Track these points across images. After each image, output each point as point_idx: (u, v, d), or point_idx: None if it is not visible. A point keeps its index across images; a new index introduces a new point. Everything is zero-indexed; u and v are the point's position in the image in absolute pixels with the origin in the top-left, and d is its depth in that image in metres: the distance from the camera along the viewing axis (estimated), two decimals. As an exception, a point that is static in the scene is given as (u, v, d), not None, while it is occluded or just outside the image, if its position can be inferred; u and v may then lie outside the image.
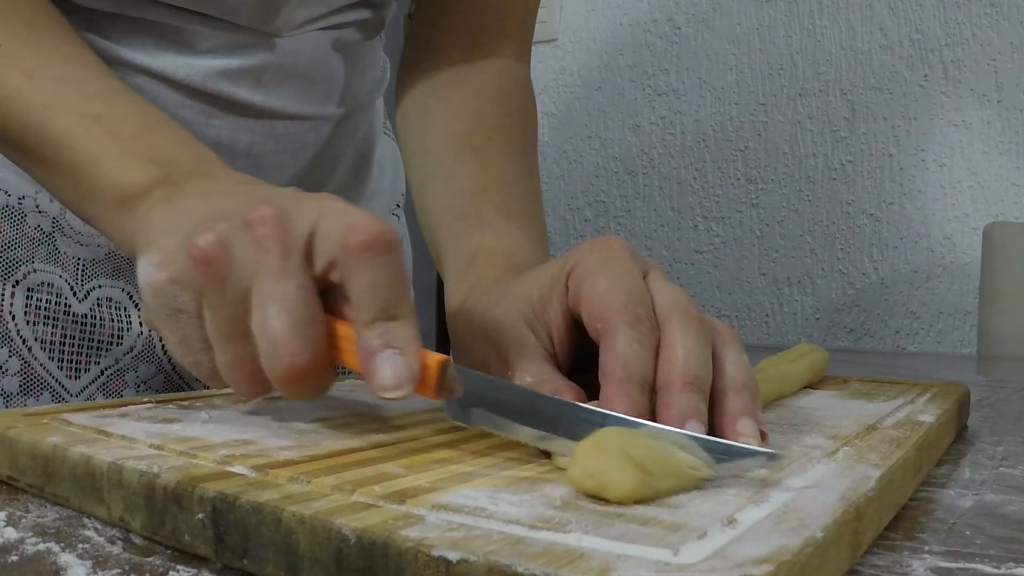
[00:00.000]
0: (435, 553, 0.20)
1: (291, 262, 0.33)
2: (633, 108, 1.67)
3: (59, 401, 0.59)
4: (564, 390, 0.35)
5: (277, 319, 0.32)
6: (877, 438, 0.34)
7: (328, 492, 0.25)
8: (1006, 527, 0.30)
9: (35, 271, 0.58)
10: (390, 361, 0.31)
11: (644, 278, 0.36)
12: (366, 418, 0.38)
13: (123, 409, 0.39)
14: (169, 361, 0.63)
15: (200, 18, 0.54)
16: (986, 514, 0.32)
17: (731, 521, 0.23)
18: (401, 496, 0.24)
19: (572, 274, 0.37)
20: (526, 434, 0.31)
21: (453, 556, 0.20)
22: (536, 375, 0.36)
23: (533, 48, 1.84)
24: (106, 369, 0.61)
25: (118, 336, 0.61)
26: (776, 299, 1.54)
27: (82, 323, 0.59)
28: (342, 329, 0.33)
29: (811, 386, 0.53)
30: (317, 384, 0.34)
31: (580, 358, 0.39)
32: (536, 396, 0.32)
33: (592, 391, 0.34)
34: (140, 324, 0.61)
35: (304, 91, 0.60)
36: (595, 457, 0.25)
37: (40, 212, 0.58)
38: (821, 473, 0.28)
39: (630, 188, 1.68)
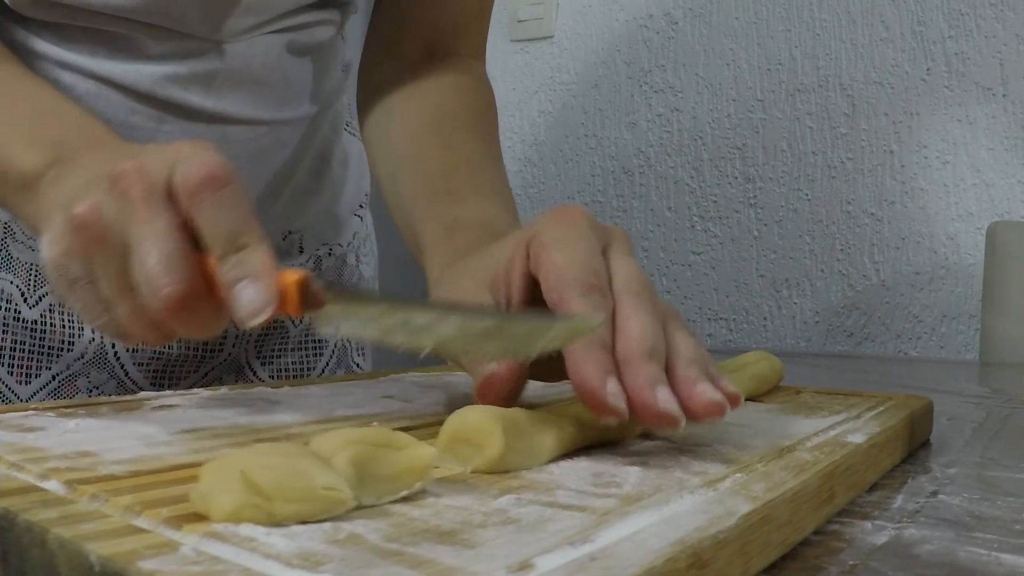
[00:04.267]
0: None
1: (153, 206, 0.35)
2: (630, 106, 1.63)
3: None
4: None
5: (148, 256, 0.34)
6: (782, 463, 0.30)
7: (113, 513, 0.24)
8: (911, 572, 0.26)
9: None
10: (245, 291, 0.33)
11: (606, 250, 0.37)
12: (244, 430, 0.36)
13: (-1, 416, 0.38)
14: (122, 367, 0.62)
15: (147, 26, 0.54)
16: (897, 554, 0.27)
17: (524, 567, 0.19)
18: (182, 521, 0.23)
19: (533, 241, 0.38)
20: (388, 325, 0.32)
21: None
22: None
23: (529, 45, 1.82)
24: (57, 375, 0.61)
25: (69, 342, 0.60)
26: (774, 302, 1.49)
27: (32, 329, 0.59)
28: (213, 265, 0.35)
29: (756, 398, 0.48)
30: (202, 316, 0.35)
31: None
32: (398, 297, 0.33)
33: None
34: (92, 330, 0.60)
35: (258, 95, 0.60)
36: (208, 477, 0.24)
37: None
38: (684, 507, 0.24)
39: (627, 187, 1.64)
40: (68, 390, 0.61)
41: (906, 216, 1.37)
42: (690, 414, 0.31)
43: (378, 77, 0.66)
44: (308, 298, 0.33)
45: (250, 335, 0.69)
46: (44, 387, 0.60)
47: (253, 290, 0.33)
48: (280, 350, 0.72)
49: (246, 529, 0.22)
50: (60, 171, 0.42)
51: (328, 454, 0.25)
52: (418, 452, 0.26)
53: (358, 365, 0.79)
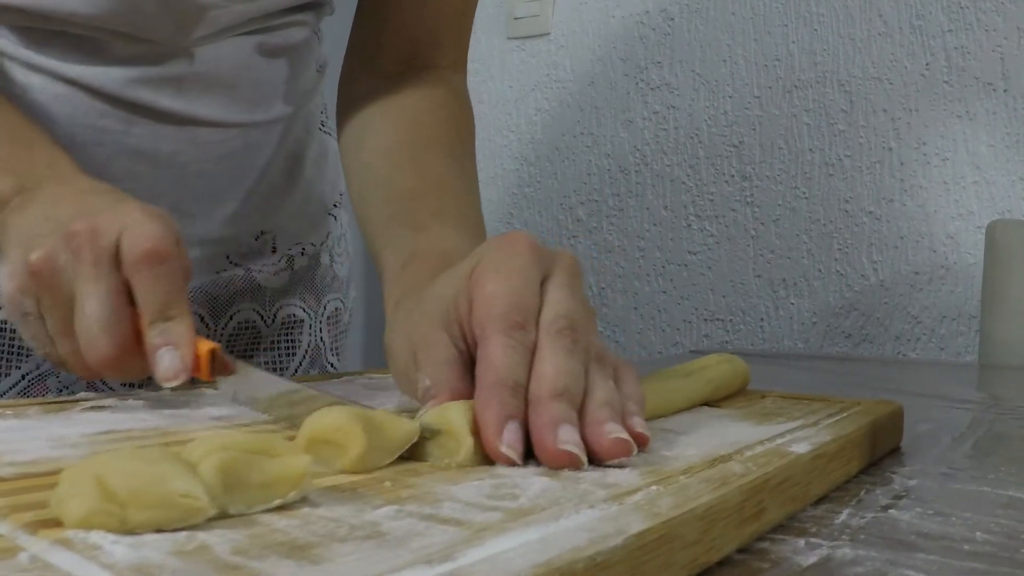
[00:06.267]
0: None
1: (100, 268, 0.39)
2: (626, 103, 1.61)
3: None
4: (443, 397, 0.36)
5: (90, 315, 0.39)
6: (708, 475, 0.28)
7: None
8: (831, 597, 0.23)
9: None
10: (167, 356, 0.39)
11: (545, 281, 0.37)
12: (159, 433, 0.36)
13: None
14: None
15: (115, 32, 0.54)
16: (822, 576, 0.25)
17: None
18: (39, 526, 0.22)
19: (474, 271, 0.38)
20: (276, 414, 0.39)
21: None
22: (434, 378, 0.37)
23: (526, 43, 1.81)
24: (27, 374, 0.61)
25: None
26: (771, 302, 1.46)
27: (2, 329, 0.59)
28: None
29: (714, 402, 0.46)
30: (130, 370, 0.41)
31: None
32: (288, 386, 0.39)
33: None
34: None
35: (229, 98, 0.60)
36: (65, 481, 0.23)
37: None
38: (574, 524, 0.22)
39: (623, 186, 1.61)
40: (38, 389, 0.61)
41: (905, 214, 1.34)
42: (595, 454, 0.31)
43: (356, 89, 0.66)
44: (217, 366, 0.39)
45: (221, 335, 0.68)
46: (14, 386, 0.60)
47: (172, 357, 0.39)
48: (252, 350, 0.71)
49: (96, 536, 0.22)
50: (23, 200, 0.44)
51: (197, 460, 0.24)
52: (293, 460, 0.24)
53: (332, 365, 0.78)
